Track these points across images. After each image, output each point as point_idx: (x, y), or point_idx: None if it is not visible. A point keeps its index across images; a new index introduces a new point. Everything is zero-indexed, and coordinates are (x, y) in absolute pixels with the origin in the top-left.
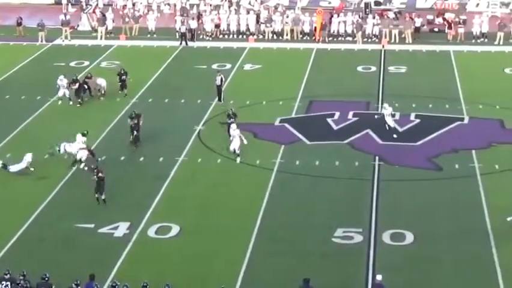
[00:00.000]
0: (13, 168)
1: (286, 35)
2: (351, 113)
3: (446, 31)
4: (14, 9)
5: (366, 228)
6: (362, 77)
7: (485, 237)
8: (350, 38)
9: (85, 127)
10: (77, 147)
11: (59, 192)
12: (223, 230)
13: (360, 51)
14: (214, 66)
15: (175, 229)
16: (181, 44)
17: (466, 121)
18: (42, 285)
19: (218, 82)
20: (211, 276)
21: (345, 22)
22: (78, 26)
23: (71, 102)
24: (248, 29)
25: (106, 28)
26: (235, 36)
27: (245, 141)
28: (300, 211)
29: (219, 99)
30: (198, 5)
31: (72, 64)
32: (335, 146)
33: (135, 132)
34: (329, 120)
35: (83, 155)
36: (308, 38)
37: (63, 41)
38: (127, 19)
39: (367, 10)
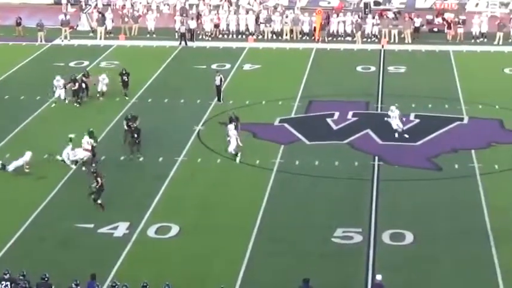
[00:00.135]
0: (11, 166)
1: (286, 35)
2: (350, 113)
3: (445, 31)
4: (14, 9)
5: (366, 228)
6: (362, 77)
7: (485, 237)
8: (349, 38)
9: (84, 127)
10: (81, 150)
11: (59, 192)
12: (223, 230)
13: (360, 51)
14: (214, 66)
15: (174, 229)
16: (180, 44)
17: (465, 121)
18: (42, 285)
19: (217, 82)
20: (210, 276)
21: (344, 22)
22: (77, 26)
23: (66, 101)
24: (247, 29)
25: (105, 28)
26: (234, 36)
27: (240, 144)
28: (299, 211)
29: (219, 99)
30: (197, 5)
31: (71, 64)
32: (335, 146)
33: (135, 136)
34: (329, 120)
35: (85, 155)
36: (308, 38)
37: (62, 41)
38: (126, 19)
39: (366, 10)
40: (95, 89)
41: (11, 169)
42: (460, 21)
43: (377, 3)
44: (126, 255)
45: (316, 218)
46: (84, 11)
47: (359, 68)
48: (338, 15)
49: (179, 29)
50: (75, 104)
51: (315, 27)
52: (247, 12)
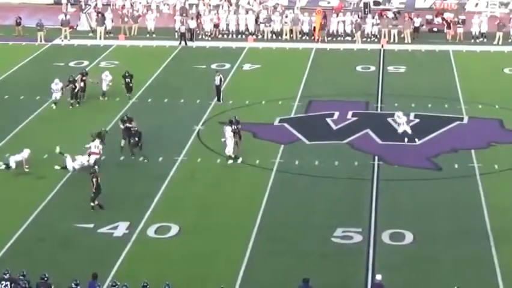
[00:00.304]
0: (11, 162)
1: (286, 34)
2: (350, 113)
3: (445, 31)
4: (13, 9)
5: (366, 228)
6: (361, 77)
7: (485, 237)
8: (349, 38)
9: (84, 127)
10: (81, 156)
11: (59, 192)
12: (223, 229)
13: (360, 51)
14: (214, 66)
15: (174, 229)
16: (180, 43)
17: (465, 121)
18: (41, 285)
19: (217, 82)
20: (210, 275)
21: (344, 22)
22: (77, 26)
23: (53, 105)
24: (247, 29)
25: (105, 28)
26: (234, 36)
27: (237, 148)
28: (299, 211)
29: (218, 99)
30: (197, 5)
31: (71, 64)
32: (334, 146)
33: (136, 139)
34: (328, 120)
35: (92, 158)
36: (307, 37)
37: (62, 41)
38: (126, 19)
39: (366, 10)
40: (95, 89)
41: (13, 165)
42: (460, 21)
43: (376, 3)
44: (126, 255)
45: (316, 217)
46: (84, 11)
47: (358, 68)
48: (337, 15)
49: (179, 28)
50: (75, 105)
51: (314, 27)
52: (246, 12)
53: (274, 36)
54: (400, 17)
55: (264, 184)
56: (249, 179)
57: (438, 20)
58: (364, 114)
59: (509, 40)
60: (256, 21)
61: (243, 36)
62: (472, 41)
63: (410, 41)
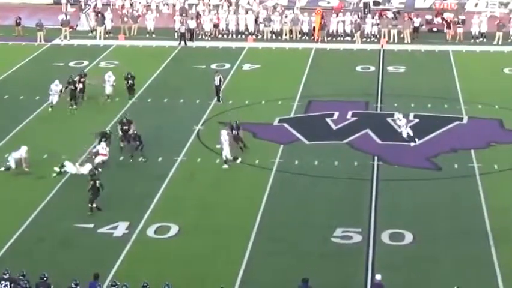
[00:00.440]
0: (11, 162)
1: (285, 34)
2: (350, 113)
3: (444, 31)
4: (13, 9)
5: (366, 228)
6: (361, 77)
7: (484, 237)
8: (348, 38)
9: (84, 127)
10: (86, 168)
11: (58, 192)
12: (222, 229)
13: (359, 51)
14: (213, 66)
15: (174, 229)
16: (180, 43)
17: (465, 121)
18: (41, 285)
19: (217, 82)
20: (210, 276)
21: (343, 22)
22: (77, 26)
23: (49, 108)
24: (247, 29)
25: (105, 28)
26: (234, 36)
27: (227, 151)
28: (299, 211)
29: (218, 100)
30: (196, 5)
31: (71, 64)
32: (334, 146)
33: (137, 143)
34: (328, 120)
35: (99, 160)
36: (307, 37)
37: (62, 40)
38: (125, 19)
39: (366, 10)
40: (95, 90)
41: (12, 165)
42: (460, 21)
43: (376, 3)
44: (126, 255)
45: (315, 217)
46: (83, 11)
47: (358, 68)
48: (337, 15)
49: (179, 29)
50: (72, 107)
51: (314, 27)
52: (246, 12)
53: (274, 36)
54: (400, 17)
55: (264, 184)
56: (248, 179)
57: (438, 20)
58: (364, 114)
59: (509, 40)
60: (255, 21)
61: (243, 36)
62: (472, 41)
63: (409, 41)
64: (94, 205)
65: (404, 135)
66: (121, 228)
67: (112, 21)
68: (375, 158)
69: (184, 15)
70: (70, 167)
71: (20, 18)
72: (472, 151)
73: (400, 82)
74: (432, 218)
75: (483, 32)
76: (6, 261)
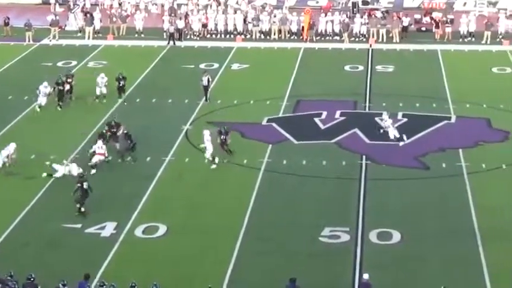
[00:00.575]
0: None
1: (274, 34)
2: (338, 113)
3: (433, 30)
4: (1, 9)
5: (354, 228)
6: (350, 77)
7: (472, 236)
8: (337, 38)
9: (72, 127)
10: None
11: (46, 193)
12: (211, 229)
13: (348, 51)
14: (202, 65)
15: (162, 229)
16: (168, 43)
17: (453, 120)
18: (28, 285)
19: (205, 83)
20: (198, 275)
21: (332, 21)
22: (66, 26)
23: (38, 109)
24: (235, 29)
25: (94, 28)
26: (222, 35)
27: (210, 151)
28: (287, 210)
29: (206, 99)
30: (185, 5)
31: (59, 64)
32: (322, 146)
33: (129, 142)
34: (316, 119)
35: (97, 160)
36: (296, 37)
37: (50, 40)
38: (114, 19)
39: (355, 9)
40: (82, 89)
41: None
42: (448, 20)
43: (365, 3)
44: (113, 255)
45: (304, 217)
46: (72, 11)
47: (347, 68)
48: (326, 15)
49: (168, 29)
50: (58, 108)
51: (303, 27)
52: (235, 12)
53: (262, 36)
54: (388, 16)
55: (252, 184)
56: (237, 179)
57: (426, 20)
58: (352, 114)
59: (497, 39)
60: (244, 21)
61: (232, 36)
62: (460, 40)
63: (398, 41)
64: (82, 209)
65: (391, 136)
66: (109, 228)
67: (100, 21)
68: (364, 157)
69: (172, 15)
70: (60, 170)
71: (8, 18)
72: (460, 150)
73: (389, 81)
74: (420, 217)
75: (471, 31)
76: None
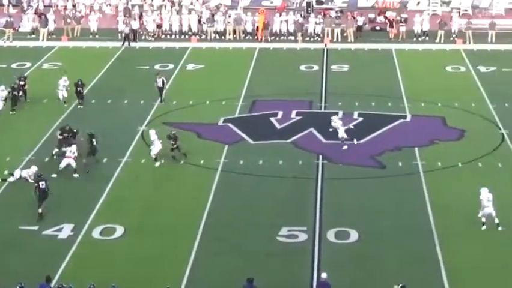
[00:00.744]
0: None
1: (229, 34)
2: (294, 112)
3: (387, 30)
4: None
5: (311, 227)
6: (305, 76)
7: (429, 234)
8: (292, 38)
9: (27, 129)
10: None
11: (3, 194)
12: (168, 230)
13: (303, 50)
14: (157, 66)
15: (119, 230)
16: (123, 44)
17: (408, 119)
18: None
19: (159, 84)
20: (156, 276)
21: (287, 21)
22: (19, 27)
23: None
24: (190, 29)
25: (48, 29)
26: (177, 36)
27: (158, 149)
28: (244, 210)
29: (161, 101)
30: (139, 6)
31: (14, 66)
32: (279, 145)
33: (92, 141)
34: (272, 119)
35: (65, 163)
36: (251, 37)
37: (5, 42)
38: (68, 20)
39: (309, 9)
40: (36, 92)
41: None
42: (402, 19)
43: (319, 2)
44: (71, 257)
45: (261, 217)
46: (26, 12)
47: (302, 67)
48: (280, 15)
49: (123, 30)
50: (10, 112)
51: (257, 27)
52: (189, 13)
53: (217, 36)
54: (343, 16)
55: (209, 184)
56: (193, 179)
57: (380, 19)
58: (308, 114)
59: (451, 38)
60: (199, 21)
61: (186, 36)
62: (414, 39)
63: (353, 40)
64: (40, 210)
65: (340, 135)
66: (66, 230)
67: (54, 22)
68: (320, 156)
69: (127, 15)
70: (17, 174)
71: None
72: (416, 149)
73: (344, 81)
74: (377, 216)
75: (425, 30)
76: None
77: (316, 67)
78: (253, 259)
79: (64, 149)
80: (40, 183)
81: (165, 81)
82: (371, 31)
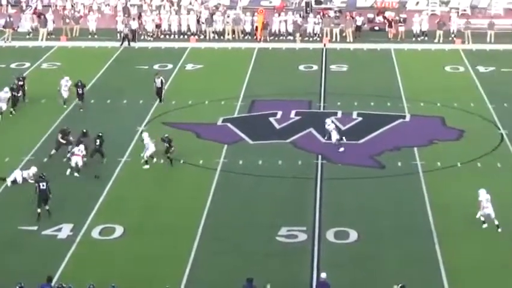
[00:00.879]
0: None
1: (228, 34)
2: (293, 112)
3: (386, 29)
4: None
5: (310, 227)
6: (304, 76)
7: (429, 234)
8: (291, 37)
9: (27, 130)
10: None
11: (2, 195)
12: (168, 230)
13: (302, 50)
14: (156, 66)
15: (119, 230)
16: (122, 44)
17: (407, 119)
18: None
19: (158, 84)
20: (156, 276)
21: (286, 21)
22: (18, 27)
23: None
24: (189, 29)
25: (47, 29)
26: (176, 36)
27: (151, 151)
28: (244, 210)
29: (160, 101)
30: (139, 6)
31: (13, 66)
32: (278, 145)
33: (97, 145)
34: (272, 119)
35: (74, 162)
36: (249, 37)
37: (5, 42)
38: (67, 20)
39: (308, 9)
40: (35, 93)
41: None
42: (401, 19)
43: (318, 2)
44: (71, 257)
45: (260, 217)
46: (24, 12)
47: (301, 67)
48: (279, 15)
49: (122, 30)
50: (10, 112)
51: (256, 27)
52: (188, 13)
53: (216, 36)
54: (342, 16)
55: (208, 184)
56: (193, 179)
57: (379, 19)
58: (307, 113)
59: (450, 38)
60: (198, 21)
61: (185, 36)
62: (413, 39)
63: (352, 40)
64: (38, 211)
65: (333, 139)
66: (66, 230)
67: (53, 22)
68: (319, 156)
69: (126, 15)
70: (18, 175)
71: None
72: (415, 149)
73: (343, 81)
74: (377, 216)
75: (424, 30)
76: None
77: (315, 67)
78: (252, 259)
79: (72, 149)
80: (41, 184)
81: (164, 81)
82: (370, 31)
